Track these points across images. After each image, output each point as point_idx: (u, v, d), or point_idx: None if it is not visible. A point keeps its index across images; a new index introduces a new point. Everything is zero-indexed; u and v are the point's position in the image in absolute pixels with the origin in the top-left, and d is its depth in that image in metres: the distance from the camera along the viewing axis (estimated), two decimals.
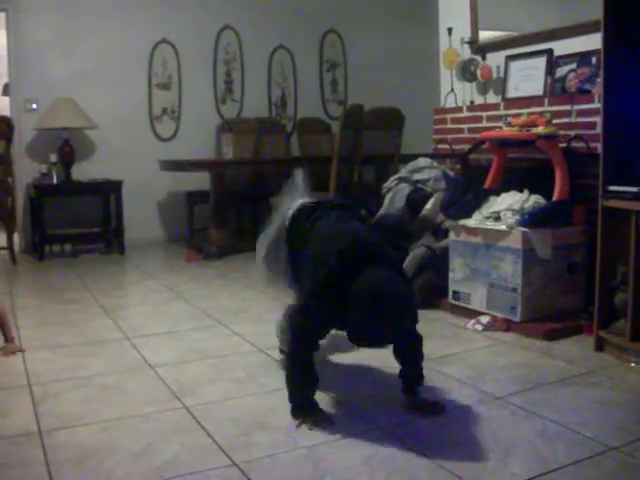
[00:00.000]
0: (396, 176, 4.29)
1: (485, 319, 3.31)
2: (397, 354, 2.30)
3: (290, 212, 2.56)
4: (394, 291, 1.98)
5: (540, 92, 3.97)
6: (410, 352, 2.30)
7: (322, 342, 2.59)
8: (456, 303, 3.60)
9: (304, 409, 2.22)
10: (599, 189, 2.82)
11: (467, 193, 3.66)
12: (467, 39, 4.55)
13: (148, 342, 3.18)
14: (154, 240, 6.29)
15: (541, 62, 4.02)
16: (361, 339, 2.07)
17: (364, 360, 2.81)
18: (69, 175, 5.75)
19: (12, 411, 2.36)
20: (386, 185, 4.27)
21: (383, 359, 2.84)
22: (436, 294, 3.72)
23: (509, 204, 3.37)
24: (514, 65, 4.23)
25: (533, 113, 3.60)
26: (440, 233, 3.86)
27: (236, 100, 6.74)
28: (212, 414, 2.30)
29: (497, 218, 3.39)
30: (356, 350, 2.88)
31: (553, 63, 3.95)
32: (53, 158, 5.69)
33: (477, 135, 3.95)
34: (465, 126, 4.41)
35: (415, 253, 3.74)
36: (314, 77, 7.12)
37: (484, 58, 4.45)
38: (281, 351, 2.80)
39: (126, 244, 5.81)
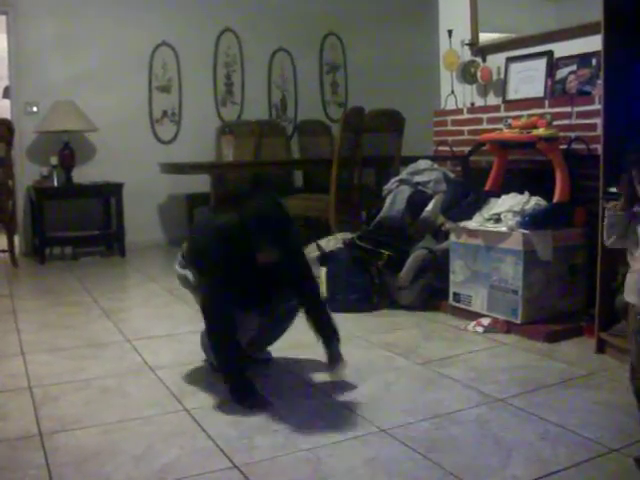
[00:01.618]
0: (397, 178, 4.29)
1: (486, 321, 3.31)
2: (309, 315, 2.56)
3: None
4: (272, 203, 2.39)
5: (540, 94, 3.97)
6: (320, 307, 2.61)
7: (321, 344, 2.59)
8: (457, 305, 3.59)
9: (241, 390, 2.34)
10: (600, 191, 2.82)
11: (468, 195, 3.66)
12: (467, 41, 4.55)
13: (149, 345, 3.18)
14: (155, 243, 6.29)
15: (541, 64, 4.02)
16: (262, 248, 2.34)
17: (364, 362, 2.81)
18: (70, 178, 5.74)
19: (13, 414, 2.35)
20: (387, 187, 4.27)
21: (383, 361, 2.84)
22: (437, 296, 3.72)
23: (510, 206, 3.37)
24: (514, 67, 4.22)
25: (533, 115, 3.59)
26: (441, 235, 3.86)
27: (236, 102, 6.73)
28: (213, 417, 2.30)
29: (498, 220, 3.38)
30: (356, 351, 2.89)
31: (553, 65, 3.95)
32: (54, 161, 5.68)
33: (477, 137, 3.95)
34: (465, 128, 4.40)
35: (416, 255, 3.74)
36: (314, 79, 7.12)
37: (484, 60, 4.45)
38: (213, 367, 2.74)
39: (127, 247, 5.80)
